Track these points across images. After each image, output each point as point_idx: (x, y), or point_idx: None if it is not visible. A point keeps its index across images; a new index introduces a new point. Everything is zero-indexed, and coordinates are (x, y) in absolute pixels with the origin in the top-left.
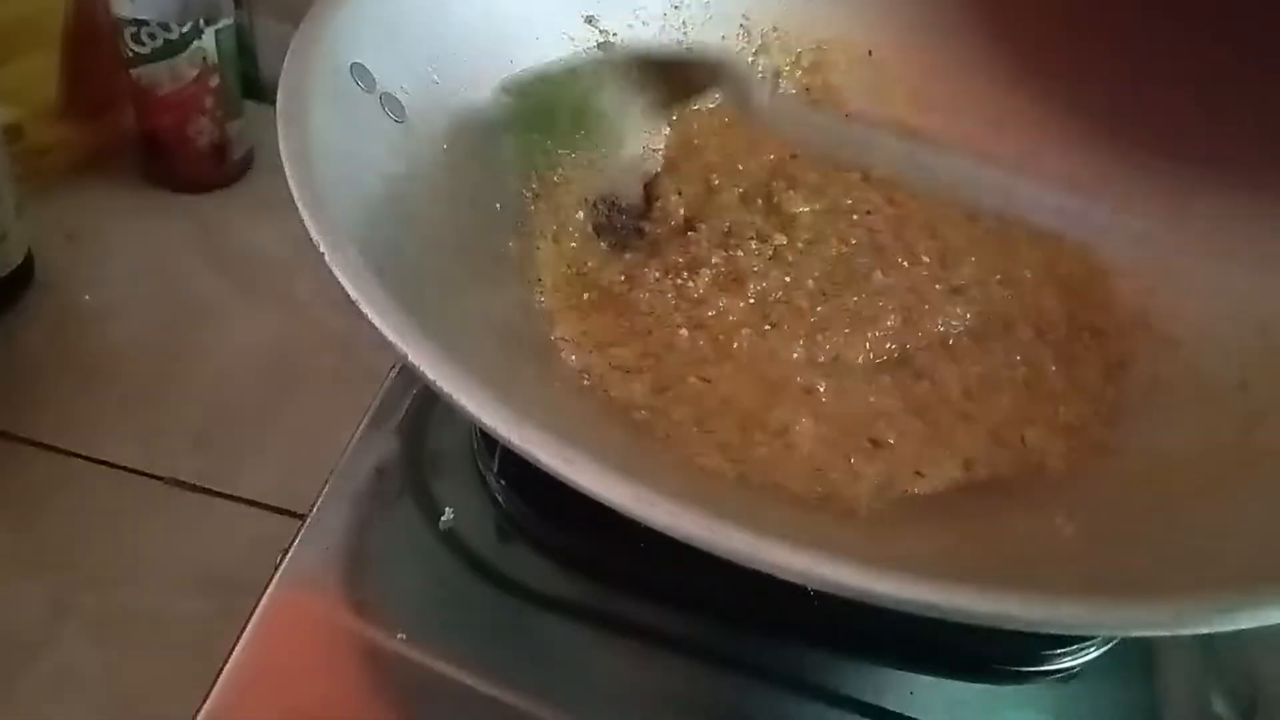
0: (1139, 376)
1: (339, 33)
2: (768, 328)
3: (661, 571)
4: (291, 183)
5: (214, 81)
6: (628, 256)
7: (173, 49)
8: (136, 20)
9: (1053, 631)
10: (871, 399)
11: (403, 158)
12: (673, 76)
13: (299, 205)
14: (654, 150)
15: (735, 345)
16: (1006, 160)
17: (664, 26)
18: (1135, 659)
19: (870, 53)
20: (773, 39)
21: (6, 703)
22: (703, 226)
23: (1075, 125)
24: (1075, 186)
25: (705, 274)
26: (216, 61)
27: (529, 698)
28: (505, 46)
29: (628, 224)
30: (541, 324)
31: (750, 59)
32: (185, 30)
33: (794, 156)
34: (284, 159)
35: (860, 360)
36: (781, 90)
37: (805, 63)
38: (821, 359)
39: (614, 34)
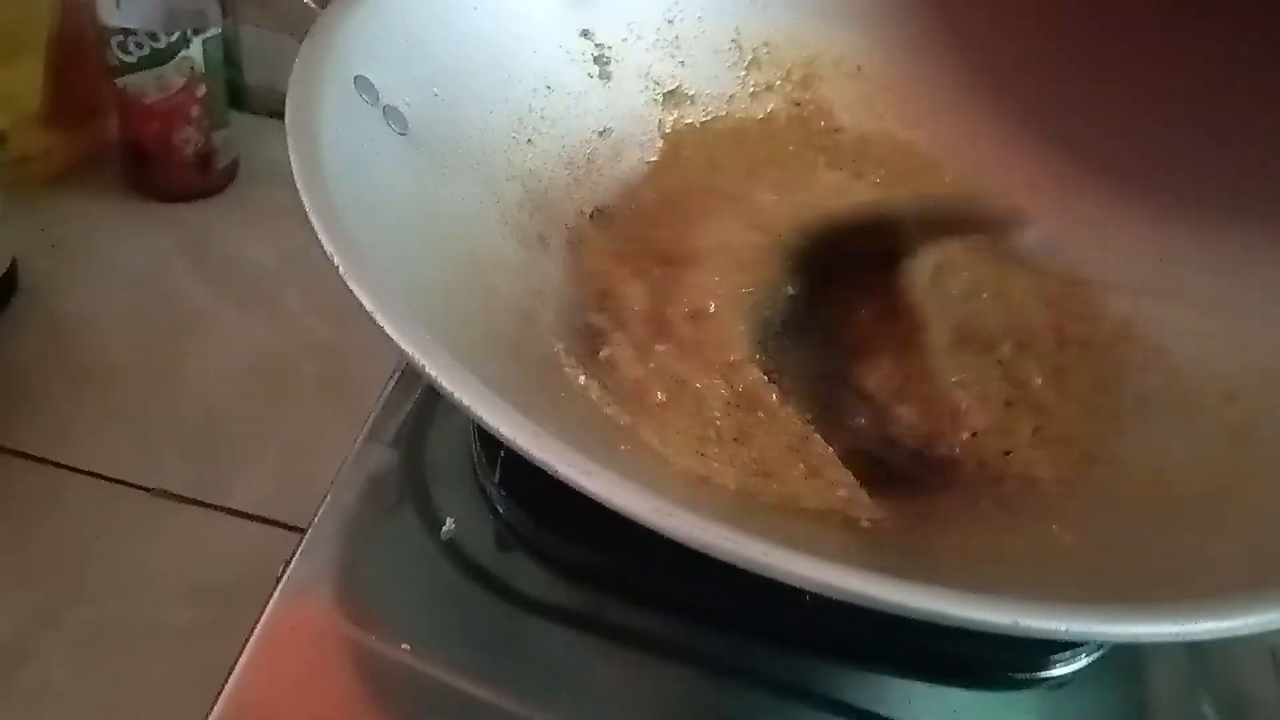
0: (1129, 388)
1: (344, 45)
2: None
3: (662, 580)
4: (303, 194)
5: (200, 91)
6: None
7: (159, 58)
8: (123, 29)
9: (1055, 639)
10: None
11: (405, 170)
12: None
13: (311, 217)
14: (648, 162)
15: (731, 357)
16: (995, 173)
17: (657, 41)
18: (1126, 666)
19: (860, 68)
20: (764, 54)
21: None
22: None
23: (1063, 139)
24: (1063, 198)
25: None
26: (203, 71)
27: (531, 707)
28: (503, 60)
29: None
30: (546, 335)
31: (742, 74)
32: (172, 40)
33: None
34: (295, 170)
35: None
36: None
37: (795, 78)
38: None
39: (609, 47)
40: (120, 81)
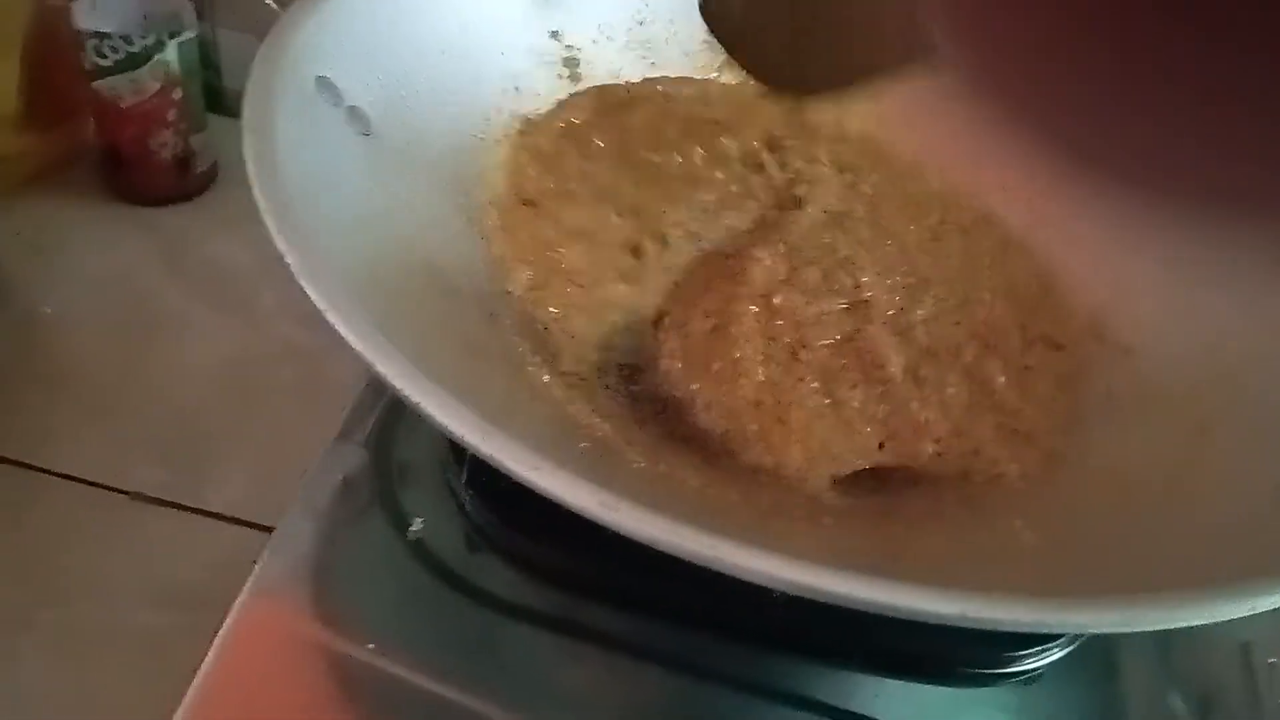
0: (1093, 387)
1: (305, 46)
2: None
3: (630, 580)
4: (257, 193)
5: (177, 94)
6: None
7: (135, 61)
8: (98, 32)
9: (1010, 630)
10: (825, 401)
11: (369, 171)
12: None
13: (265, 216)
14: None
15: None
16: (965, 169)
17: (628, 42)
18: (1096, 661)
19: None
20: None
21: None
22: None
23: (1033, 136)
24: (1034, 198)
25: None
26: (179, 74)
27: (499, 707)
28: (471, 61)
29: None
30: (509, 335)
31: (714, 76)
32: (148, 43)
33: None
34: (250, 170)
35: (819, 364)
36: None
37: None
38: (778, 364)
39: (579, 49)
40: (96, 85)
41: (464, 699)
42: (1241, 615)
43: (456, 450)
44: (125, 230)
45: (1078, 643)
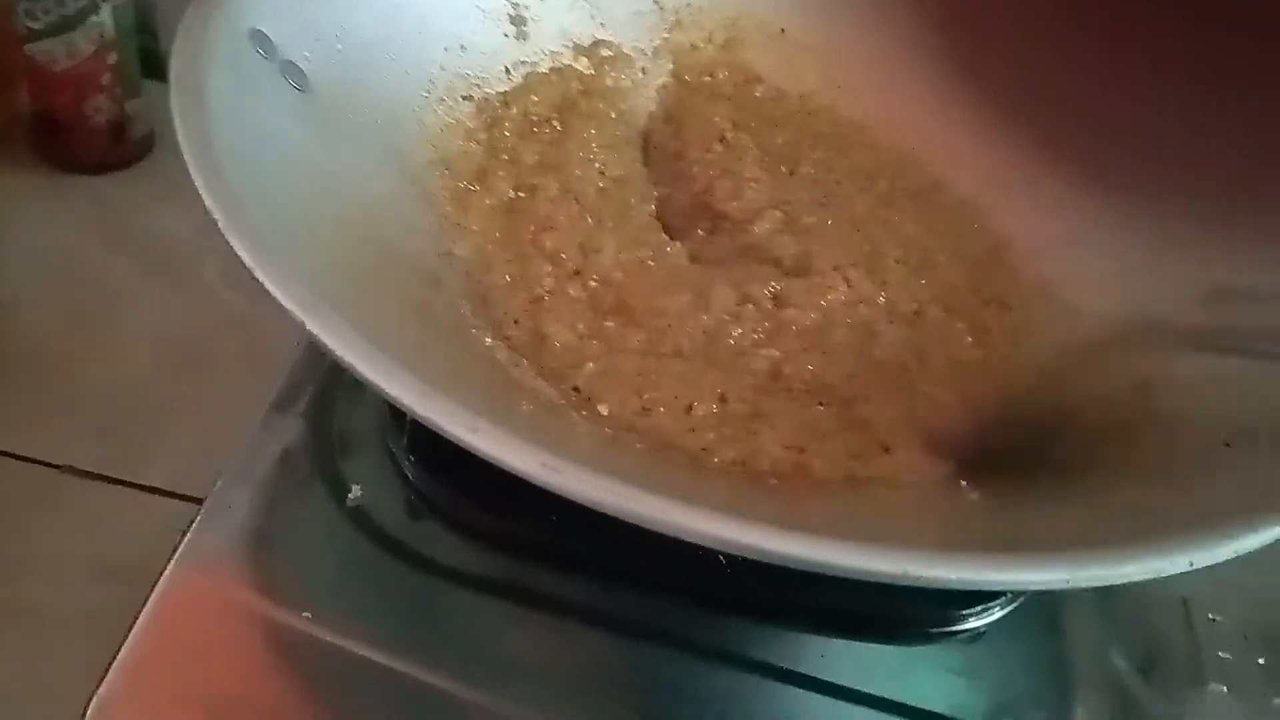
0: (1041, 347)
1: None
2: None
3: (575, 544)
4: (184, 148)
5: (111, 58)
6: None
7: (68, 24)
8: None
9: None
10: (788, 369)
11: (306, 127)
12: None
13: (192, 171)
14: None
15: (639, 315)
16: (915, 135)
17: (576, 1)
18: (1039, 619)
19: (783, 30)
20: (686, 16)
21: None
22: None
23: (985, 100)
24: (985, 162)
25: (614, 242)
26: (114, 37)
27: (441, 674)
28: (413, 18)
29: None
30: (454, 298)
31: (665, 36)
32: (81, 5)
33: None
34: (177, 124)
35: (776, 330)
36: None
37: (718, 40)
38: (739, 330)
39: (526, 7)
40: (29, 49)
41: (406, 667)
42: (1179, 570)
43: (397, 416)
44: (60, 199)
45: (1020, 600)
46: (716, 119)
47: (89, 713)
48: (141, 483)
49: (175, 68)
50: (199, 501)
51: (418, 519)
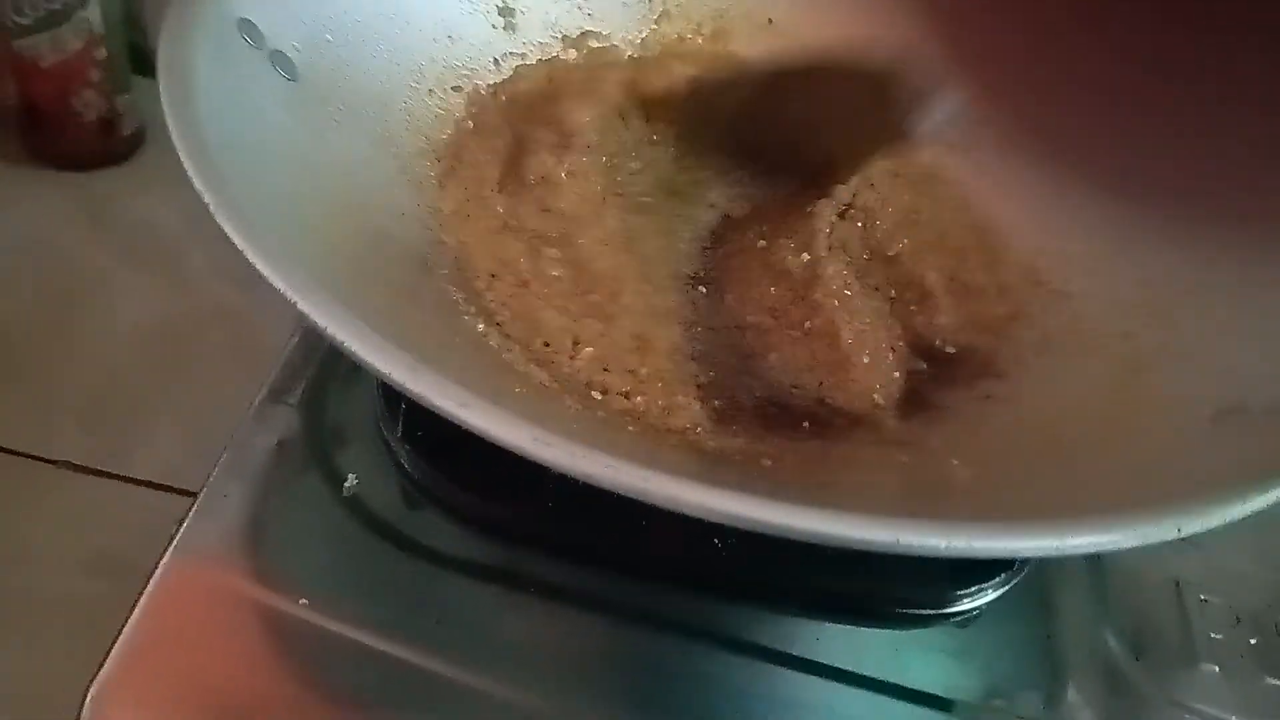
0: (1031, 330)
1: None
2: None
3: (569, 529)
4: (174, 133)
5: (100, 53)
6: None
7: (55, 19)
8: None
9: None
10: (772, 356)
11: (296, 116)
12: None
13: (182, 155)
14: None
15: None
16: None
17: None
18: (1032, 600)
19: (770, 21)
20: (674, 6)
21: None
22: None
23: (977, 85)
24: (971, 148)
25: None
26: (103, 32)
27: (438, 659)
28: (402, 7)
29: None
30: (444, 285)
31: (653, 27)
32: (69, 0)
33: None
34: (166, 110)
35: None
36: None
37: (706, 30)
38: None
39: None
40: (16, 44)
41: (402, 653)
42: (1168, 538)
43: (390, 404)
44: (49, 194)
45: (1013, 583)
46: None
47: (86, 704)
48: (132, 475)
49: (163, 55)
50: (190, 494)
51: (413, 507)
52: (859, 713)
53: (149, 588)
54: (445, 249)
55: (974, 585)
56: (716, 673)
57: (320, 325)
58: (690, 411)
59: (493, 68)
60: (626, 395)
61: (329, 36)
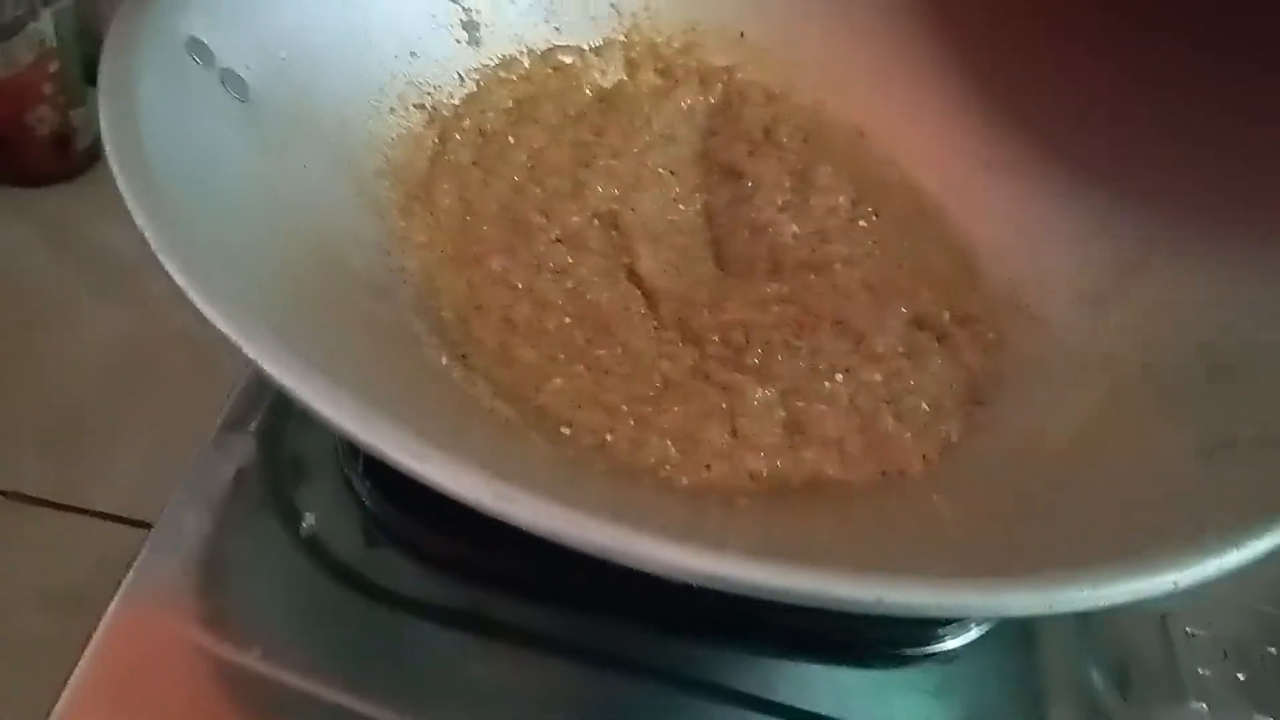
0: (1011, 356)
1: (171, 3)
2: (642, 312)
3: (537, 570)
4: (113, 162)
5: (53, 67)
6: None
7: (5, 32)
8: None
9: (921, 615)
10: (752, 391)
11: (248, 138)
12: None
13: (121, 186)
14: None
15: (608, 335)
16: (882, 133)
17: (531, 5)
18: (1015, 637)
19: (742, 34)
20: (644, 19)
21: None
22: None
23: (952, 100)
24: (950, 168)
25: (585, 255)
26: (55, 45)
27: (401, 711)
28: (360, 24)
29: None
30: (405, 314)
31: (621, 40)
32: (19, 12)
33: None
34: (104, 136)
35: (734, 347)
36: None
37: (677, 44)
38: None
39: (477, 11)
40: None
41: (364, 706)
42: (1163, 592)
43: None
44: (2, 213)
45: (996, 620)
46: None
47: None
48: (87, 507)
49: (104, 76)
50: (146, 526)
51: (374, 546)
52: None
53: (99, 631)
54: (406, 275)
55: (957, 623)
56: (695, 718)
57: (268, 372)
58: (661, 447)
59: (456, 83)
60: (596, 432)
61: (283, 54)
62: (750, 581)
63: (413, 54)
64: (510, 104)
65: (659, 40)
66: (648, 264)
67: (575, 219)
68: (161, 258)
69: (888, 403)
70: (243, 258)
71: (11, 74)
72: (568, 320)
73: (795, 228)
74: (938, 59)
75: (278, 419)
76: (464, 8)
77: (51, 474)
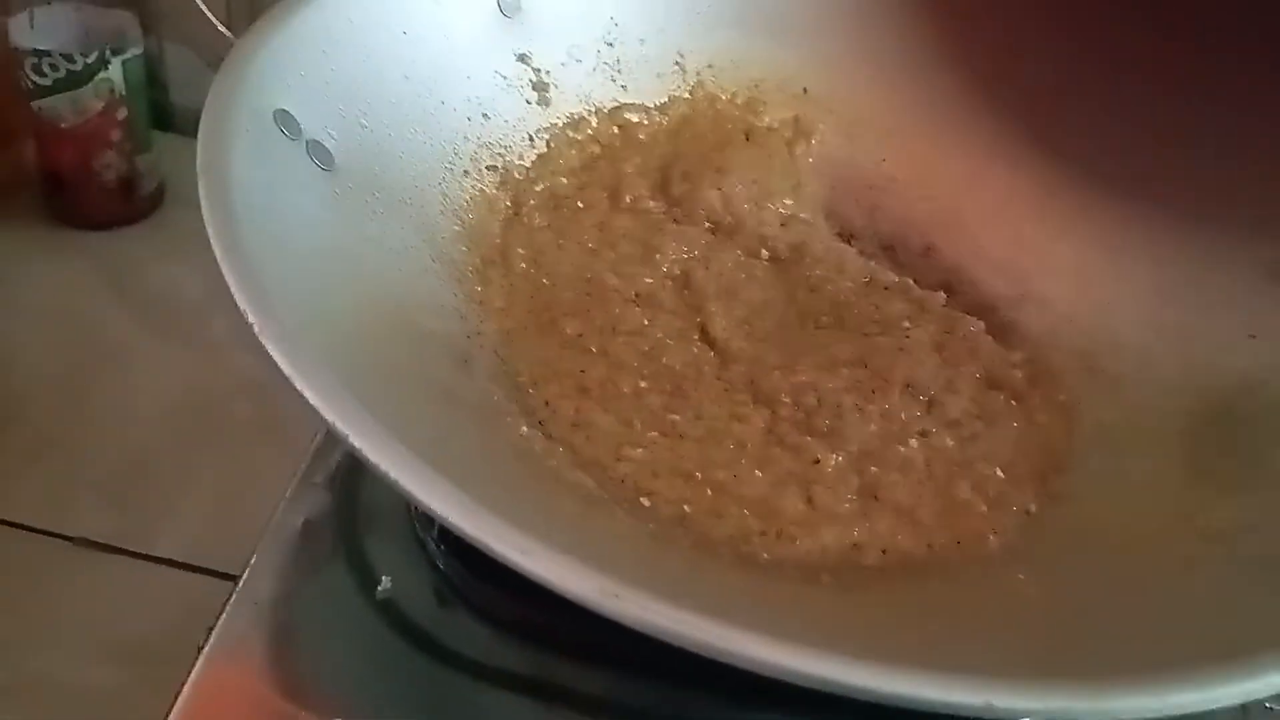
0: (1086, 420)
1: (261, 77)
2: (717, 376)
3: (615, 637)
4: (216, 247)
5: (121, 114)
6: None
7: (76, 80)
8: (37, 50)
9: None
10: (826, 457)
11: (332, 208)
12: None
13: (224, 271)
14: None
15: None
16: (944, 191)
17: (598, 65)
18: None
19: (805, 90)
20: (708, 77)
21: None
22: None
23: (1013, 155)
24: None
25: (662, 320)
26: (124, 93)
27: None
28: (436, 88)
29: None
30: (484, 383)
31: (687, 95)
32: (90, 61)
33: None
34: (205, 214)
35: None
36: None
37: (741, 100)
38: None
39: (546, 71)
40: (36, 105)
41: None
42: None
43: None
44: (68, 257)
45: None
46: None
47: None
48: (156, 555)
49: (201, 153)
50: (214, 574)
51: (448, 610)
52: None
53: (181, 696)
54: (483, 341)
55: None
56: None
57: (373, 462)
58: (740, 518)
59: (527, 143)
60: (675, 502)
61: (364, 122)
62: (859, 685)
63: (485, 115)
64: (579, 165)
65: (723, 97)
66: (720, 323)
67: (649, 280)
68: (264, 340)
69: (960, 466)
70: (333, 335)
71: (81, 121)
72: (643, 384)
73: (849, 283)
74: (1001, 113)
75: (352, 475)
76: (534, 68)
77: (117, 521)
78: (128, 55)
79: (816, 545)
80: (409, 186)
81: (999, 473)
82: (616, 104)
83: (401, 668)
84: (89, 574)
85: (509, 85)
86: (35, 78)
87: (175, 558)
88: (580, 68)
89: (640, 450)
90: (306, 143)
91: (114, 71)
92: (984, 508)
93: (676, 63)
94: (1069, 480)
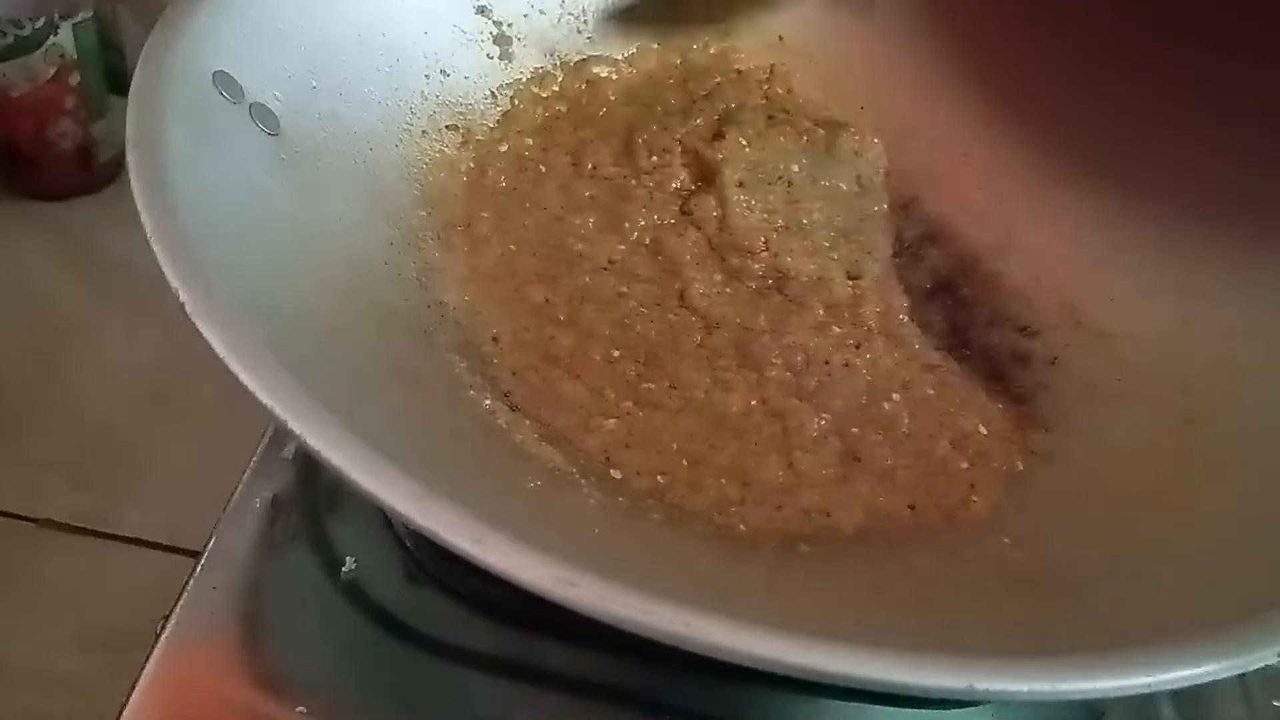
0: (1072, 375)
1: (198, 37)
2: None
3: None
4: (145, 218)
5: (74, 80)
6: None
7: (25, 46)
8: None
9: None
10: (810, 420)
11: (279, 175)
12: None
13: (153, 244)
14: None
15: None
16: (925, 143)
17: (562, 15)
18: None
19: (781, 38)
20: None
21: None
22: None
23: (1001, 125)
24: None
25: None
26: (76, 58)
27: None
28: (391, 44)
29: None
30: (445, 354)
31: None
32: (38, 26)
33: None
34: (133, 185)
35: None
36: None
37: (712, 49)
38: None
39: (508, 24)
40: None
41: None
42: (1266, 663)
43: None
44: (24, 228)
45: None
46: None
47: None
48: (125, 534)
49: (131, 119)
50: (181, 552)
51: (417, 590)
52: None
53: (140, 683)
54: (445, 311)
55: None
56: None
57: (313, 447)
58: (717, 488)
59: (489, 101)
60: (646, 474)
61: (314, 83)
62: (831, 671)
63: (443, 72)
64: (543, 122)
65: (694, 46)
66: (700, 289)
67: (620, 245)
68: (197, 321)
69: (941, 420)
70: (282, 313)
71: (32, 89)
72: (616, 353)
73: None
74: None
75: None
76: (495, 20)
77: (82, 501)
78: (78, 19)
79: (796, 511)
80: (363, 150)
81: (981, 429)
82: (583, 56)
83: (369, 652)
84: (56, 556)
85: (469, 39)
86: None
87: (144, 537)
88: (544, 19)
89: (612, 421)
90: (249, 106)
91: (64, 36)
92: (964, 464)
93: None
94: (1056, 439)
